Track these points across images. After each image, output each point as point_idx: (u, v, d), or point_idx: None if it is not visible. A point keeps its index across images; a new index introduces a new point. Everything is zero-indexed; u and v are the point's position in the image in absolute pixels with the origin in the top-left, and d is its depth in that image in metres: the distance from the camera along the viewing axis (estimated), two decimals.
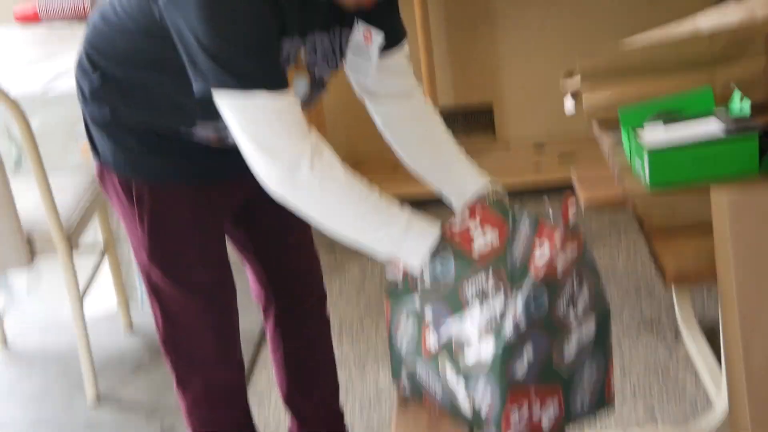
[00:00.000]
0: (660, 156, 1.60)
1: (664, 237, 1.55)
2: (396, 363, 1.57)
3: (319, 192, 1.52)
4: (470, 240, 1.43)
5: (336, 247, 2.23)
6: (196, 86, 1.52)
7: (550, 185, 3.19)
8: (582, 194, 2.42)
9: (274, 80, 1.51)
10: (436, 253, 1.43)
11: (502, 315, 1.36)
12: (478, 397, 1.40)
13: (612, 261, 2.89)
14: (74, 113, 2.69)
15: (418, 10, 3.56)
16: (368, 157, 3.58)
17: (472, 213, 1.48)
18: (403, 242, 1.48)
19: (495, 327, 1.36)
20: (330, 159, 1.53)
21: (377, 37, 1.71)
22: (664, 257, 1.50)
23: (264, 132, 1.53)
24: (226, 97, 1.50)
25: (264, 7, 1.51)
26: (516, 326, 1.32)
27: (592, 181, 2.29)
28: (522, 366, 1.36)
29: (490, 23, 3.84)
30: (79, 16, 3.57)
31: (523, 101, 3.77)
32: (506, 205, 1.48)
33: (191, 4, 1.45)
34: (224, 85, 1.49)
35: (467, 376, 1.41)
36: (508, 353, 1.34)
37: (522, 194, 3.52)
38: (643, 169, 1.64)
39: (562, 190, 2.46)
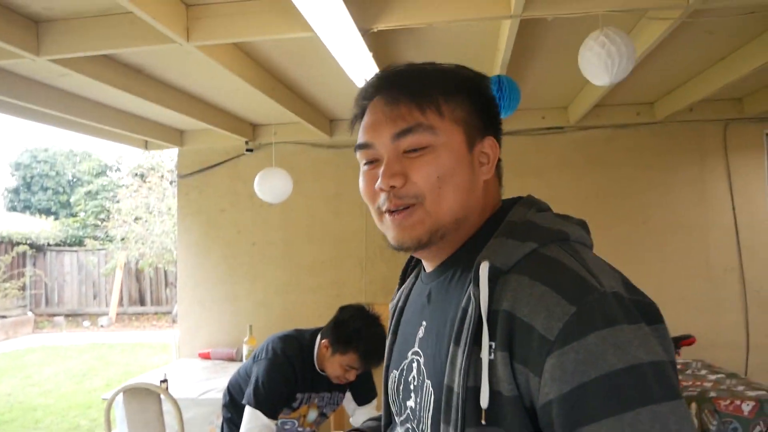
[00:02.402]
0: None
1: None
2: None
3: None
4: None
5: None
6: (244, 400, 2.13)
7: None
8: None
9: (269, 412, 2.09)
10: None
11: None
12: None
13: None
14: (210, 411, 3.19)
15: None
16: None
17: None
18: None
19: None
20: None
21: (352, 401, 2.37)
22: None
23: (249, 424, 2.08)
24: (248, 407, 2.10)
25: (287, 387, 2.15)
26: None
27: None
28: None
29: None
30: (230, 359, 4.15)
31: None
32: None
33: (262, 370, 2.12)
34: (250, 402, 2.09)
35: None
36: None
37: None
38: None
39: None
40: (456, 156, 0.83)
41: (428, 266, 0.93)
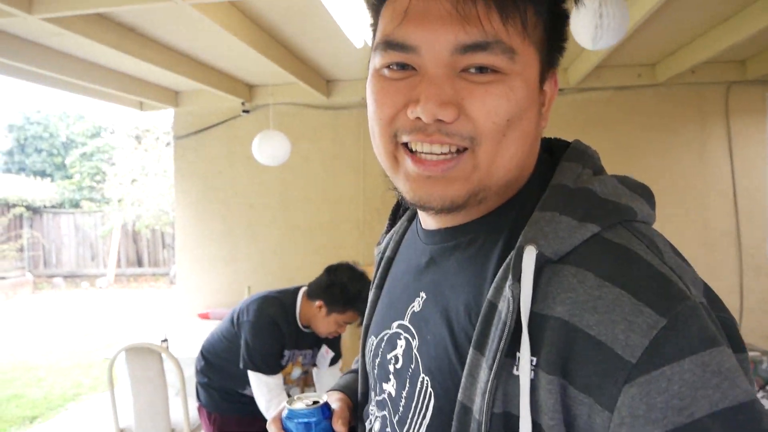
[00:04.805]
0: None
1: None
2: None
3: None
4: None
5: None
6: (241, 364, 2.19)
7: None
8: None
9: (268, 370, 2.16)
10: None
11: None
12: None
13: None
14: None
15: None
16: None
17: None
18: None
19: None
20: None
21: (331, 353, 2.40)
22: None
23: (258, 388, 2.16)
24: (250, 372, 2.17)
25: (277, 343, 2.19)
26: None
27: None
28: None
29: None
30: None
31: None
32: None
33: (249, 332, 2.16)
34: (248, 366, 2.15)
35: None
36: None
37: None
38: None
39: None
40: (529, 93, 0.61)
41: (431, 223, 0.71)
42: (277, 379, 2.20)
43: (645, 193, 0.63)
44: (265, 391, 2.17)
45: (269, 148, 3.48)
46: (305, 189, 4.42)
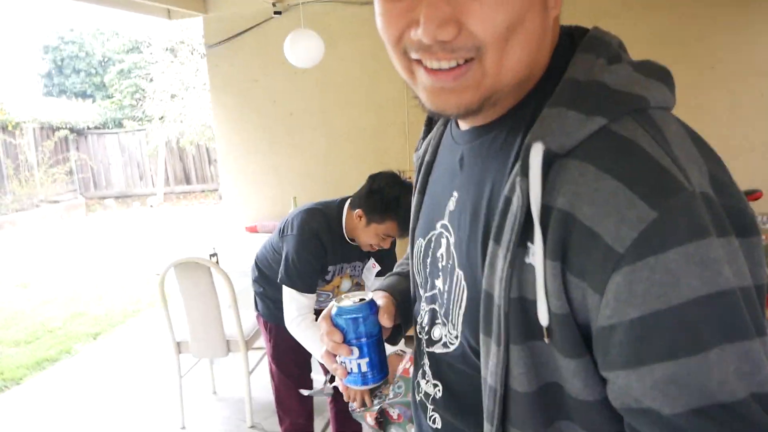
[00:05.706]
0: None
1: None
2: None
3: (297, 333, 2.14)
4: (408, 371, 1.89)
5: None
6: (279, 277, 2.17)
7: None
8: None
9: (304, 288, 2.13)
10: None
11: None
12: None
13: None
14: None
15: None
16: None
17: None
18: None
19: None
20: (306, 323, 2.12)
21: (377, 267, 2.33)
22: None
23: (288, 303, 2.14)
24: (284, 287, 2.15)
25: (317, 260, 2.15)
26: None
27: None
28: None
29: None
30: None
31: None
32: None
33: (290, 247, 2.12)
34: (284, 281, 2.13)
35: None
36: None
37: None
38: None
39: None
40: None
41: (462, 124, 0.77)
42: (309, 299, 2.15)
43: (662, 75, 0.64)
44: (294, 308, 2.13)
45: (302, 48, 3.33)
46: (346, 93, 4.26)
